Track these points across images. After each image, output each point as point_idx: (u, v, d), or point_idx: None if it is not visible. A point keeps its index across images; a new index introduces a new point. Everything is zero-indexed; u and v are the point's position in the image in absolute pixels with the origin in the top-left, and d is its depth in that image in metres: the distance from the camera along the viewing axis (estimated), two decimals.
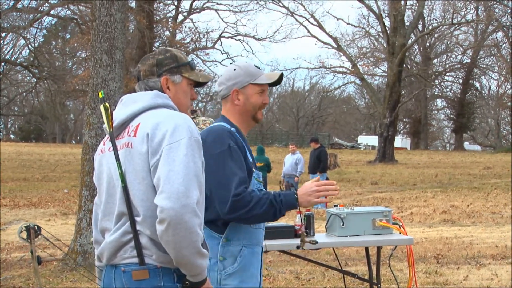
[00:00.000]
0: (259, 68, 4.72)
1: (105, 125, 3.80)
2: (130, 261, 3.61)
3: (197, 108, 8.50)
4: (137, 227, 3.57)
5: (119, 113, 3.81)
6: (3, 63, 58.67)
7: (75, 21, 47.25)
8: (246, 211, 4.31)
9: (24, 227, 3.88)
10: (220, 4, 54.29)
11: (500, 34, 64.01)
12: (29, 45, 54.33)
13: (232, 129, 4.52)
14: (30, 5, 46.70)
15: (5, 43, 61.60)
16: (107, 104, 3.81)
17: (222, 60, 60.22)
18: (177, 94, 3.89)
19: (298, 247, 5.23)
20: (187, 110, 3.96)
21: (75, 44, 47.77)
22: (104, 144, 3.84)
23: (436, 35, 68.43)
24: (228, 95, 4.64)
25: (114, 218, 3.67)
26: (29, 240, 3.98)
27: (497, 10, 55.77)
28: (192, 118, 7.01)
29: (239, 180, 4.34)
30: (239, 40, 54.33)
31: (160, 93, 3.81)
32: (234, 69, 4.64)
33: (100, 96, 3.91)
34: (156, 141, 3.57)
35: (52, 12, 47.40)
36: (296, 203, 4.47)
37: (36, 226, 3.86)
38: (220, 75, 5.68)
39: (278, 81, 4.70)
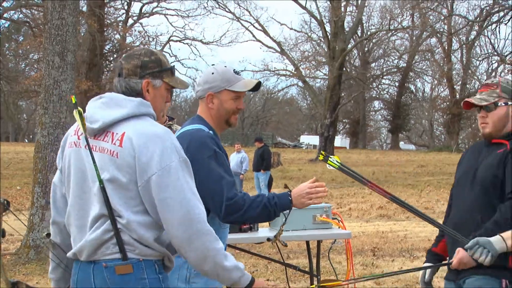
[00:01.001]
0: (238, 73, 4.61)
1: (81, 129, 3.67)
2: (112, 257, 3.55)
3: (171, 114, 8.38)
4: (119, 226, 3.52)
5: (102, 114, 3.65)
6: None
7: (27, 24, 46.72)
8: (240, 214, 4.29)
9: None
10: (169, 9, 54.01)
11: (433, 40, 64.90)
12: None
13: (211, 132, 4.45)
14: None
15: None
16: (80, 109, 3.67)
17: (171, 63, 59.80)
18: (155, 98, 3.79)
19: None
20: (161, 113, 3.90)
21: (28, 47, 47.04)
22: (78, 139, 3.70)
23: (374, 40, 69.13)
24: (204, 97, 4.56)
25: (91, 217, 3.59)
26: None
27: (431, 17, 56.41)
28: (170, 124, 7.00)
29: (229, 184, 4.30)
30: (187, 43, 54.14)
31: (144, 101, 3.69)
32: (212, 73, 4.54)
33: (74, 101, 3.74)
34: (144, 161, 3.51)
35: (5, 15, 46.91)
36: (291, 205, 4.45)
37: (5, 201, 3.77)
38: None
39: (255, 89, 4.61)
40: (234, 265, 3.66)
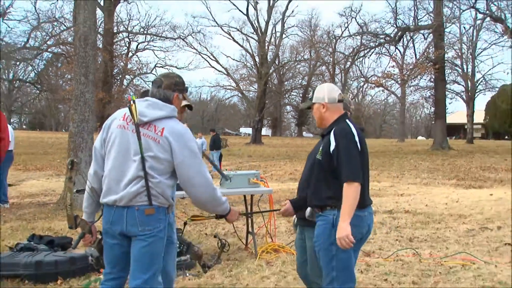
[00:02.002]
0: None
1: (129, 117, 3.70)
2: (142, 203, 3.59)
3: None
4: (150, 184, 3.58)
5: (149, 112, 3.67)
6: (18, 81, 58.80)
7: (63, 55, 46.58)
8: None
9: (70, 160, 3.82)
10: (155, 46, 54.21)
11: (324, 67, 65.14)
12: (34, 70, 53.97)
13: None
14: (34, 45, 46.74)
15: (19, 68, 60.35)
16: (135, 105, 3.69)
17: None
18: (178, 106, 3.84)
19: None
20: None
21: (64, 70, 46.81)
22: (127, 124, 3.69)
23: (286, 67, 69.11)
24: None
25: (129, 176, 3.60)
26: (72, 169, 3.90)
27: (322, 53, 56.89)
28: None
29: None
30: (166, 68, 53.37)
31: (175, 108, 3.74)
32: None
33: (134, 99, 3.71)
34: (177, 150, 3.60)
35: (49, 50, 47.36)
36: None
37: (75, 161, 3.78)
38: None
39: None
40: (225, 199, 3.85)
